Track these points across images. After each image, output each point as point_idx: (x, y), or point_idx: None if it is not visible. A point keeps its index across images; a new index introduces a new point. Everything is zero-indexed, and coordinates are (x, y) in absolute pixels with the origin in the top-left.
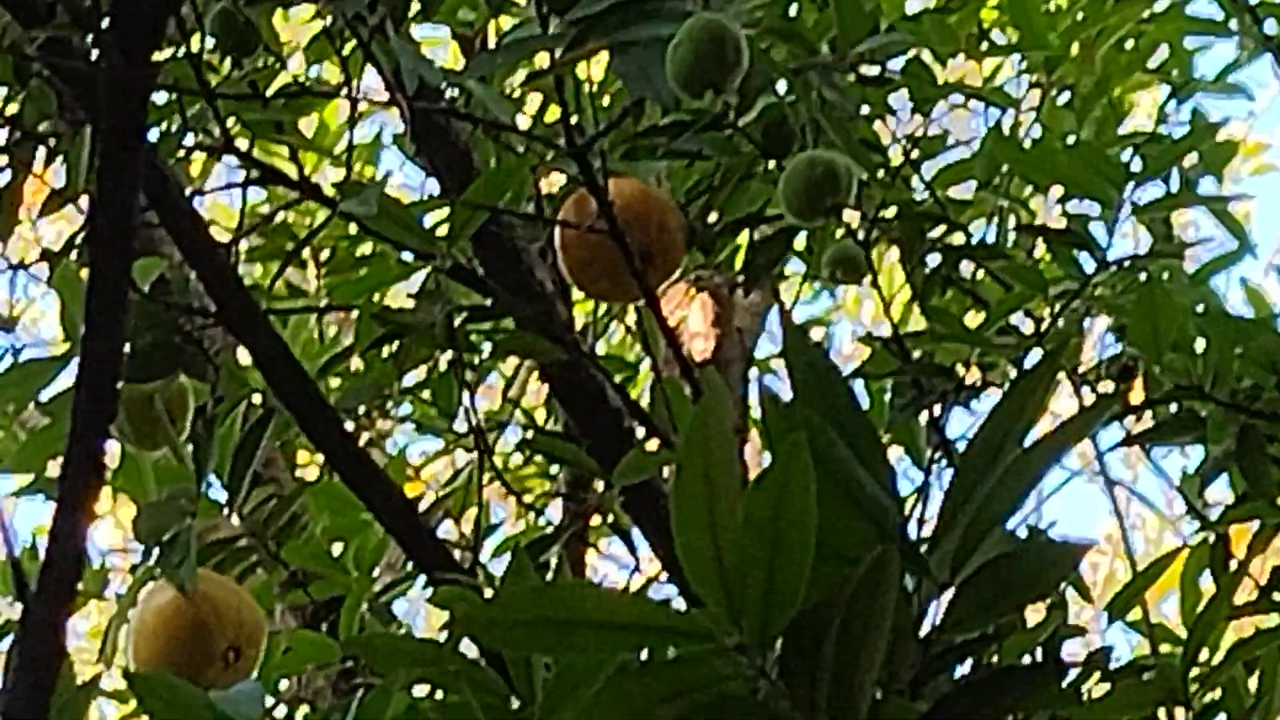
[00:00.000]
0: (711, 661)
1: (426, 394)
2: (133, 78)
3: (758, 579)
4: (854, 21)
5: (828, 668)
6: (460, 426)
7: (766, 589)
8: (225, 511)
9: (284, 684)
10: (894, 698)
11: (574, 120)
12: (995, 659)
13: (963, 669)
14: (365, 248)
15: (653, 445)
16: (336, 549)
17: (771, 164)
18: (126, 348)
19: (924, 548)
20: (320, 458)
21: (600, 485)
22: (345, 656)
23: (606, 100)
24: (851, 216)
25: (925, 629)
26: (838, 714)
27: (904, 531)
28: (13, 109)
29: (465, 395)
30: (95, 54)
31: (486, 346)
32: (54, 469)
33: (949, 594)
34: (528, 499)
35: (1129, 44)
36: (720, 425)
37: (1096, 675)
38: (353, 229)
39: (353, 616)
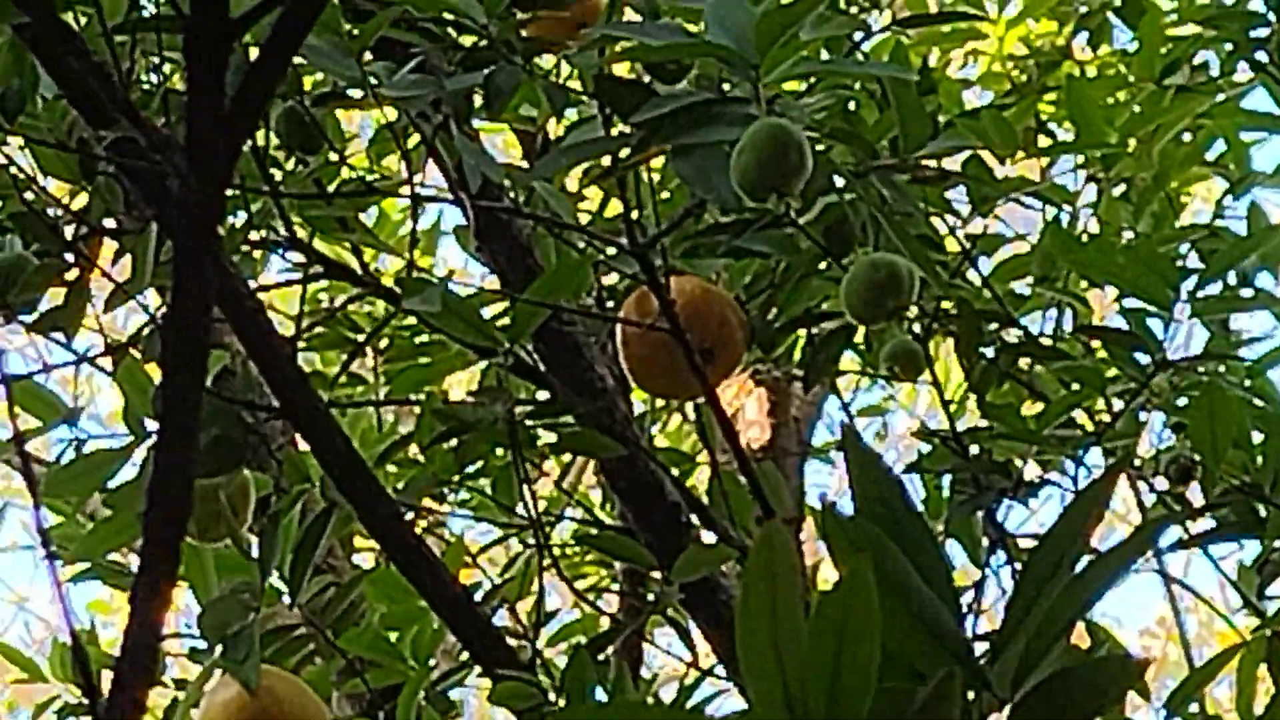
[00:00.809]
0: None
1: (485, 482)
2: (207, 197)
3: (820, 700)
4: (916, 125)
5: None
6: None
7: (830, 709)
8: (285, 600)
9: None
10: None
11: (634, 216)
12: None
13: None
14: (425, 338)
15: (709, 538)
16: (393, 636)
17: (831, 262)
18: None
19: (983, 658)
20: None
21: (657, 575)
22: None
23: (666, 194)
24: (909, 312)
25: None
26: None
27: (967, 647)
28: (80, 204)
29: (525, 493)
30: (161, 156)
31: (545, 438)
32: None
33: (1009, 708)
34: (584, 584)
35: (1186, 137)
36: (784, 545)
37: None
38: (413, 321)
39: (410, 705)
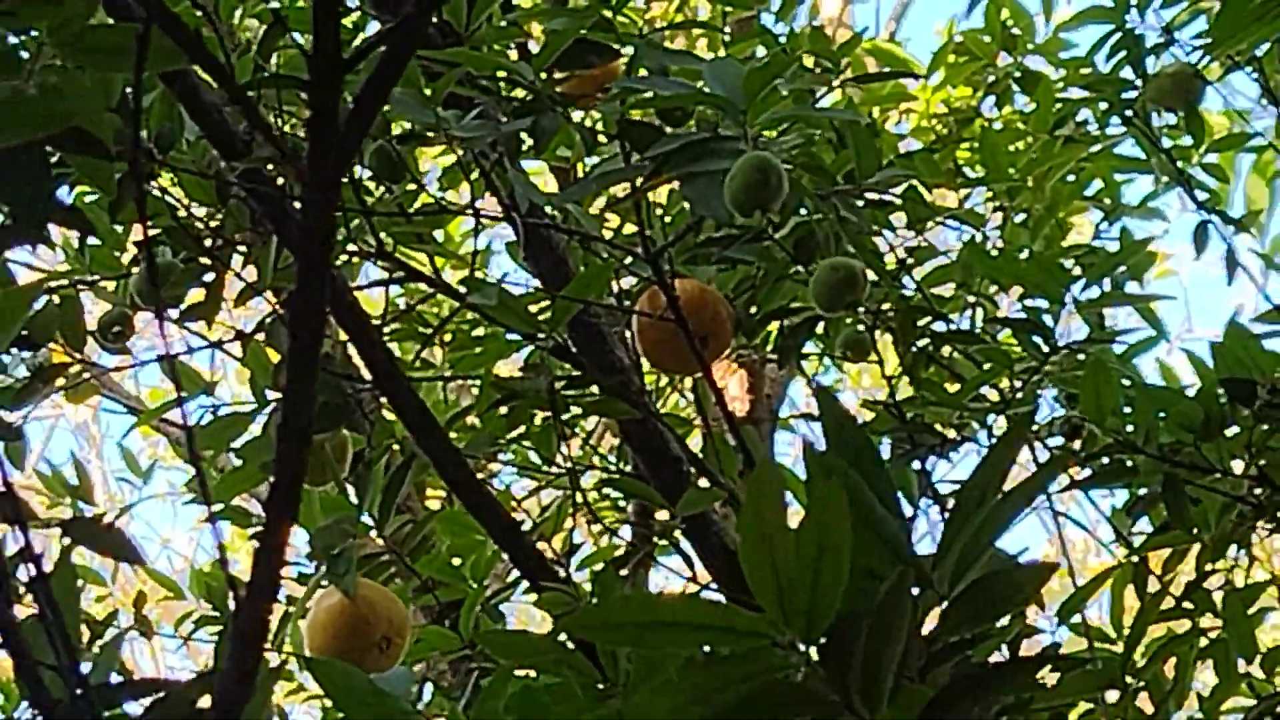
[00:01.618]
0: (767, 655)
1: (528, 443)
2: (325, 203)
3: (804, 592)
4: (867, 159)
5: (859, 660)
6: (552, 471)
7: (811, 599)
8: (372, 534)
9: (416, 668)
10: (907, 684)
11: (647, 233)
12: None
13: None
14: (481, 331)
15: (704, 484)
16: (456, 562)
17: (800, 268)
18: None
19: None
20: (444, 490)
21: (662, 515)
22: (464, 645)
23: (669, 218)
24: (859, 308)
25: (927, 631)
26: (866, 697)
27: (914, 557)
28: (215, 223)
29: (561, 445)
30: (281, 180)
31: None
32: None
33: (947, 605)
34: (605, 524)
35: (1071, 178)
36: (772, 477)
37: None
38: (473, 316)
39: (470, 615)
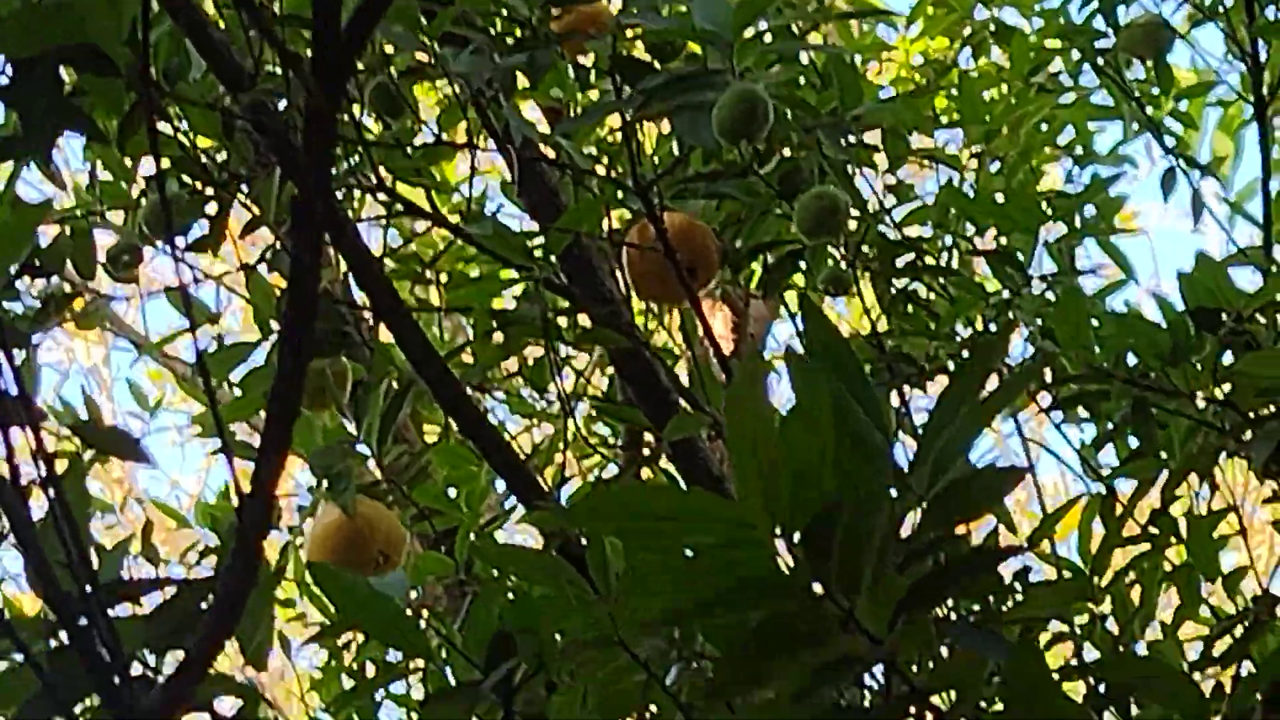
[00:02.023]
0: (752, 546)
1: (519, 381)
2: (328, 108)
3: (788, 485)
4: (851, 93)
5: (839, 552)
6: (544, 408)
7: (793, 493)
8: (370, 463)
9: (412, 594)
10: (886, 576)
11: (636, 169)
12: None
13: None
14: (477, 272)
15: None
16: (452, 492)
17: (785, 204)
18: None
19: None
20: (441, 427)
21: (652, 441)
22: (459, 572)
23: (657, 160)
24: (839, 250)
25: (907, 531)
26: (847, 586)
27: (893, 459)
28: (221, 156)
29: (554, 375)
30: (284, 109)
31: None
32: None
33: (923, 507)
34: (591, 461)
35: (1044, 126)
36: (760, 376)
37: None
38: (470, 252)
39: (464, 542)
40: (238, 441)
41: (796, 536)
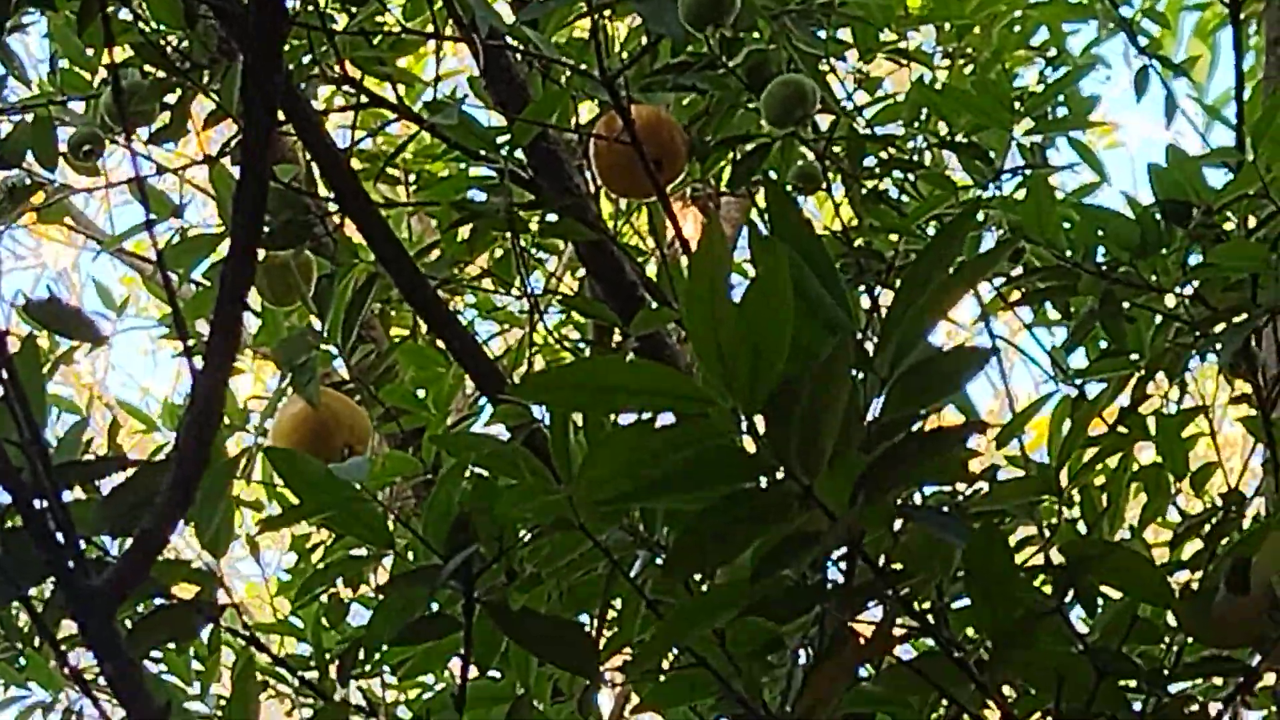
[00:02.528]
0: (711, 422)
1: (488, 281)
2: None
3: (747, 359)
4: None
5: (799, 427)
6: (512, 309)
7: (754, 367)
8: (337, 362)
9: (380, 494)
10: (846, 453)
11: (604, 61)
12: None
13: None
14: (445, 171)
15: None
16: (420, 393)
17: (752, 97)
18: (267, 225)
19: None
20: (408, 327)
21: (619, 336)
22: (426, 471)
23: (625, 53)
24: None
25: (872, 414)
26: (806, 463)
27: (857, 338)
28: (184, 45)
29: (522, 271)
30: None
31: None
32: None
33: (887, 389)
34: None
35: (1018, 27)
36: (721, 248)
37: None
38: (437, 150)
39: (430, 440)
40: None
41: (758, 414)
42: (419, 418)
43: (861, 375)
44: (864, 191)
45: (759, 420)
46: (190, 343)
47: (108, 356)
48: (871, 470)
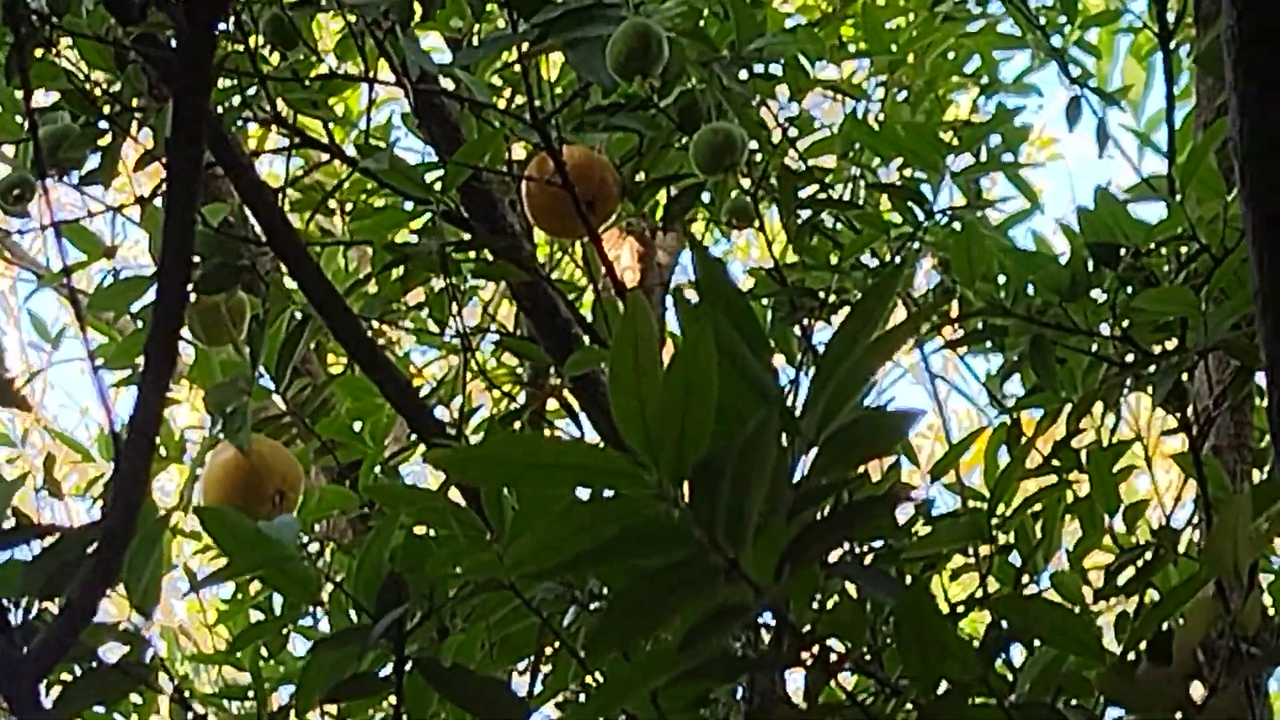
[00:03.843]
0: (638, 496)
1: (425, 313)
2: (200, 40)
3: (672, 432)
4: (748, 26)
5: (725, 499)
6: (450, 342)
7: (679, 439)
8: (273, 396)
9: (316, 527)
10: (773, 523)
11: (536, 102)
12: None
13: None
14: (380, 202)
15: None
16: (356, 425)
17: (684, 136)
18: (199, 268)
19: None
20: (345, 357)
21: (554, 378)
22: (363, 505)
23: (559, 90)
24: (743, 180)
25: (798, 477)
26: (732, 535)
27: (784, 402)
28: (115, 88)
29: (455, 309)
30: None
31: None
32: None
33: (815, 450)
34: (497, 394)
35: (950, 55)
36: (645, 321)
37: (921, 521)
38: (371, 185)
39: (369, 475)
40: (138, 375)
41: (682, 485)
42: (356, 450)
43: (789, 437)
44: (798, 224)
45: (685, 492)
46: (124, 375)
47: (46, 378)
48: (798, 541)
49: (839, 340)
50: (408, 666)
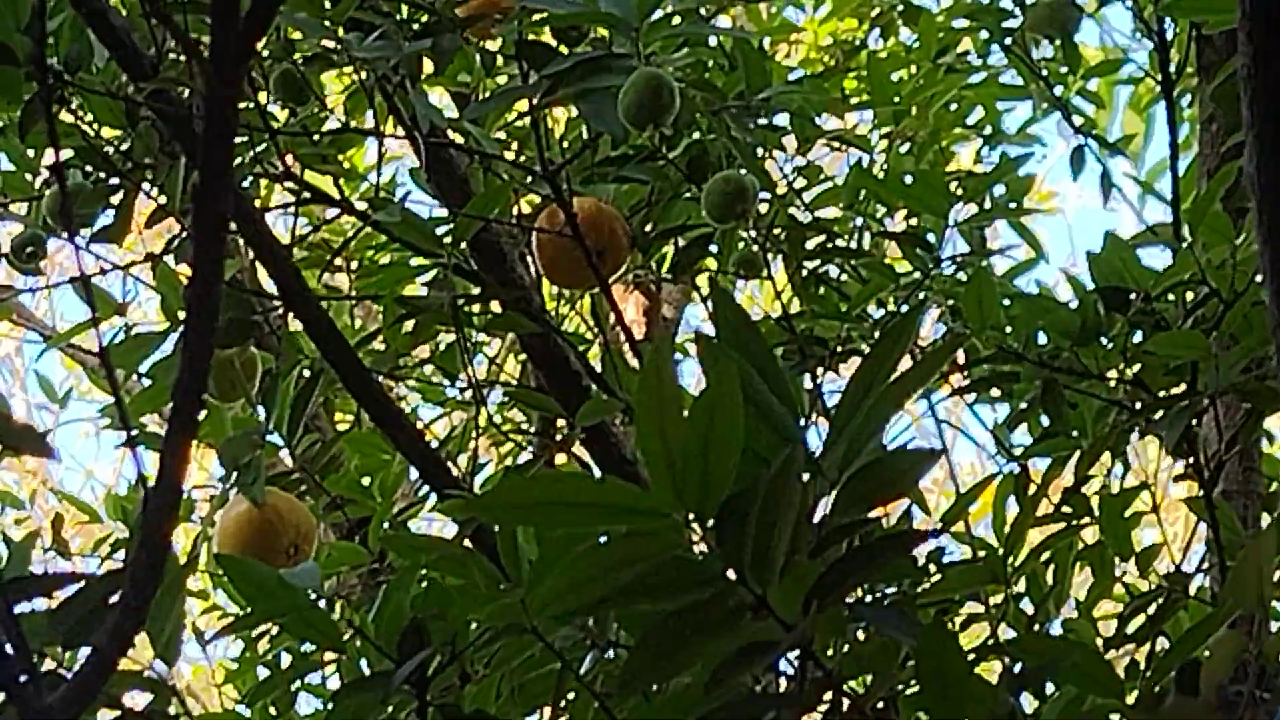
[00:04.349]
0: (663, 534)
1: (430, 370)
2: (226, 95)
3: (697, 471)
4: (757, 76)
5: (750, 537)
6: (456, 396)
7: (703, 478)
8: (283, 453)
9: (326, 584)
10: (798, 561)
11: (545, 154)
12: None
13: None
14: (387, 258)
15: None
16: (365, 482)
17: (693, 187)
18: None
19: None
20: (352, 415)
21: (564, 428)
22: (373, 561)
23: (566, 144)
24: (751, 231)
25: (820, 517)
26: (758, 572)
27: (805, 443)
28: (125, 146)
29: (466, 362)
30: (188, 98)
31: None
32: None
33: (836, 490)
34: (506, 448)
35: (954, 106)
36: (668, 361)
37: (934, 567)
38: (378, 239)
39: (378, 530)
40: (148, 433)
41: (708, 523)
42: (365, 506)
43: (809, 477)
44: (804, 275)
45: (711, 529)
46: (134, 433)
47: (55, 438)
48: (824, 578)
49: (855, 385)
50: (430, 713)
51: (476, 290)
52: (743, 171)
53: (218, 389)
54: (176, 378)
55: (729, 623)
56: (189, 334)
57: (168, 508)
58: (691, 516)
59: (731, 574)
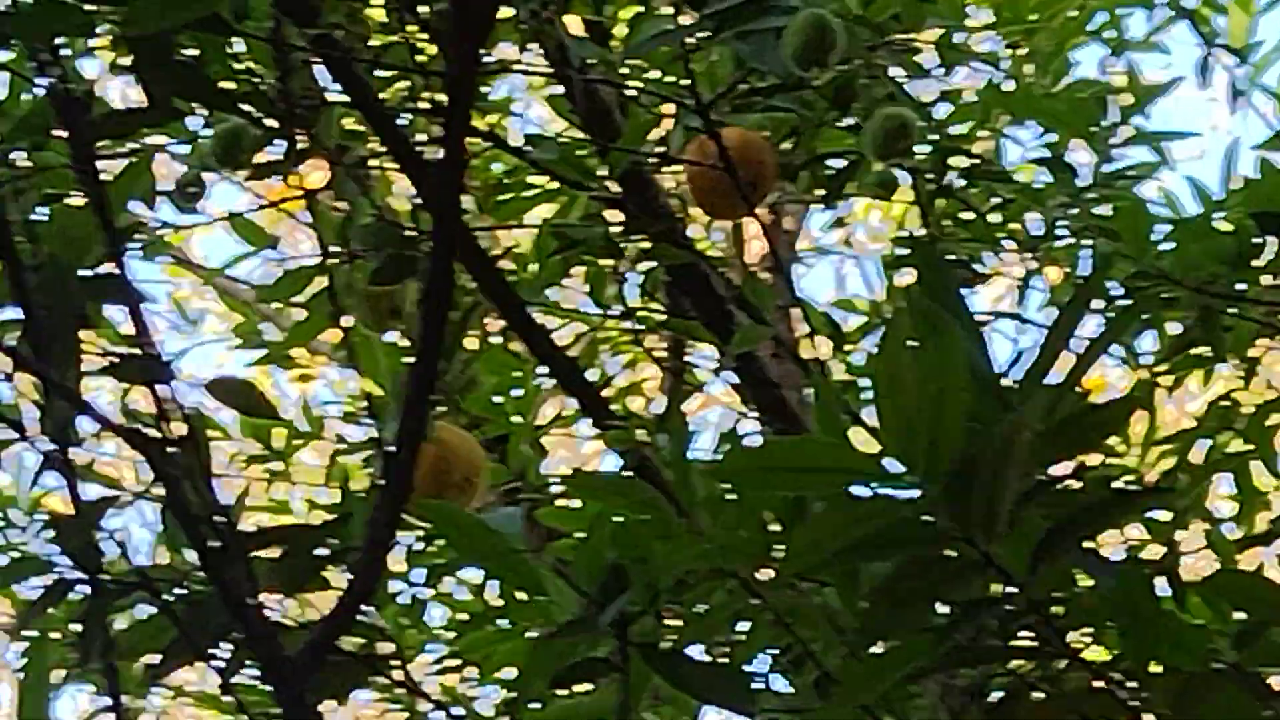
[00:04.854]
0: (895, 496)
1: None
2: (469, 64)
3: (926, 432)
4: (913, 11)
5: (978, 497)
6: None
7: (933, 444)
8: None
9: None
10: (1023, 518)
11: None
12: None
13: None
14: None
15: (744, 321)
16: (498, 400)
17: (838, 115)
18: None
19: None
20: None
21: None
22: (513, 478)
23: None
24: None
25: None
26: (985, 530)
27: (1006, 395)
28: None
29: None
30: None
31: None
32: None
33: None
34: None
35: (1074, 13)
36: (902, 328)
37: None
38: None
39: (517, 449)
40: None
41: (938, 485)
42: (500, 425)
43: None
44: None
45: (940, 490)
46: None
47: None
48: (1050, 535)
49: (1048, 343)
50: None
51: (623, 219)
52: (903, 108)
53: (375, 319)
54: (417, 343)
55: (960, 578)
56: (429, 295)
57: (407, 464)
58: (925, 478)
59: (959, 532)
